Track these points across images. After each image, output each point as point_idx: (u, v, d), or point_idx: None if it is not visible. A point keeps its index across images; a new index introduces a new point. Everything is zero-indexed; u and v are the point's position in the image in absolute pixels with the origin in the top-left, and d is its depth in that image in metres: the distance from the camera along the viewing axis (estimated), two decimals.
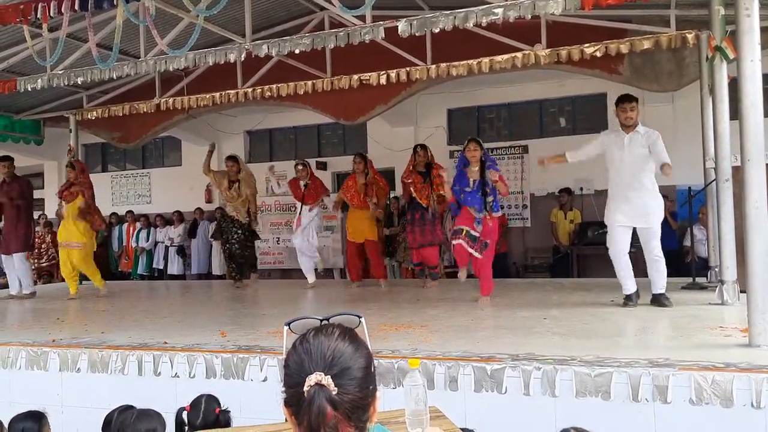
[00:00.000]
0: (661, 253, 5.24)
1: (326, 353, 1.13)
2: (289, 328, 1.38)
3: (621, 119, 5.29)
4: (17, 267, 7.88)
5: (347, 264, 8.03)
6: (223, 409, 2.59)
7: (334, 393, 1.09)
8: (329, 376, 1.09)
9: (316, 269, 8.17)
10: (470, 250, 5.83)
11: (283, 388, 1.16)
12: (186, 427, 2.61)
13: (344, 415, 1.09)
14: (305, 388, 1.09)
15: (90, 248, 7.81)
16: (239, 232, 8.16)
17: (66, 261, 7.73)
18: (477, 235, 5.82)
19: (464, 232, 5.83)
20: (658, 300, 5.26)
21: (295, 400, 1.11)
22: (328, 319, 1.33)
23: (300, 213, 7.86)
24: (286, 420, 1.16)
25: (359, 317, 1.33)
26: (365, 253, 7.81)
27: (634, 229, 5.35)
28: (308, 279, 8.04)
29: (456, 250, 5.97)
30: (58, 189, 7.88)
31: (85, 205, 7.67)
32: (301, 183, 7.82)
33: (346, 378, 1.12)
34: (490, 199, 5.83)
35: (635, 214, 5.21)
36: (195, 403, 2.64)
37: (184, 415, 2.61)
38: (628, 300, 5.35)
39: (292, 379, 1.13)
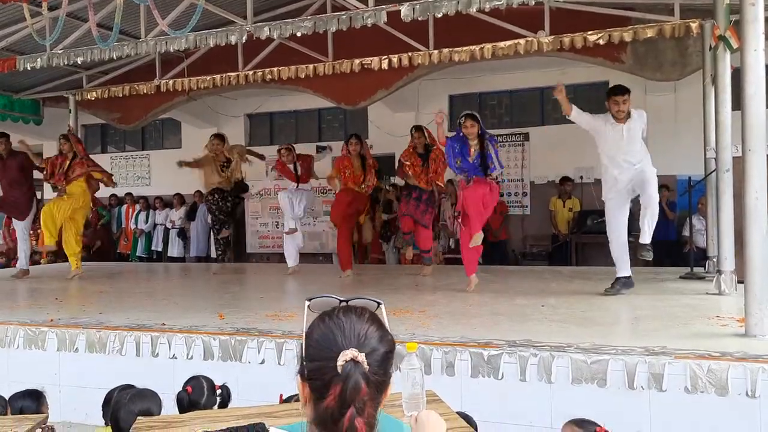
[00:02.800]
0: (657, 198, 5.32)
1: (360, 332, 1.14)
2: (309, 306, 1.37)
3: (612, 111, 5.32)
4: (18, 239, 7.96)
5: (339, 252, 7.81)
6: (221, 384, 2.61)
7: (368, 370, 1.10)
8: (363, 354, 1.10)
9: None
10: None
11: (305, 361, 1.15)
12: (191, 408, 2.63)
13: (371, 395, 1.10)
14: (339, 363, 1.09)
15: (81, 223, 7.83)
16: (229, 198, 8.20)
17: (49, 216, 7.52)
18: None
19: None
20: (641, 249, 5.36)
21: (320, 374, 1.11)
22: (347, 301, 1.32)
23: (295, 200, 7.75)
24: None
25: (378, 303, 1.33)
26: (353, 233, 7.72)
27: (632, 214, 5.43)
28: (288, 263, 7.91)
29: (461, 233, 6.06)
30: (53, 172, 7.69)
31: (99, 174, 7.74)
32: (290, 166, 7.75)
33: (374, 358, 1.13)
34: (495, 173, 5.89)
35: (629, 178, 5.35)
36: (194, 384, 2.65)
37: (186, 396, 2.63)
38: (616, 283, 5.43)
39: (321, 352, 1.12)
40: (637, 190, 5.44)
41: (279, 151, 7.80)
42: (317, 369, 1.12)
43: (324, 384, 1.10)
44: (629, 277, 5.48)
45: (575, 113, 5.49)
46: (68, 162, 7.61)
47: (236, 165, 8.05)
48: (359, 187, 7.30)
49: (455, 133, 6.04)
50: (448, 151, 5.99)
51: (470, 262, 6.01)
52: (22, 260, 8.01)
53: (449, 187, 9.85)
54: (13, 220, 8.13)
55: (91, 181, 7.79)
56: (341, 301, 1.26)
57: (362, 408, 1.07)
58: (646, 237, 5.36)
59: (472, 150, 5.86)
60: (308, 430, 1.14)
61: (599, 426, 2.19)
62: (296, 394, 1.39)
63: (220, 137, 8.15)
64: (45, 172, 7.77)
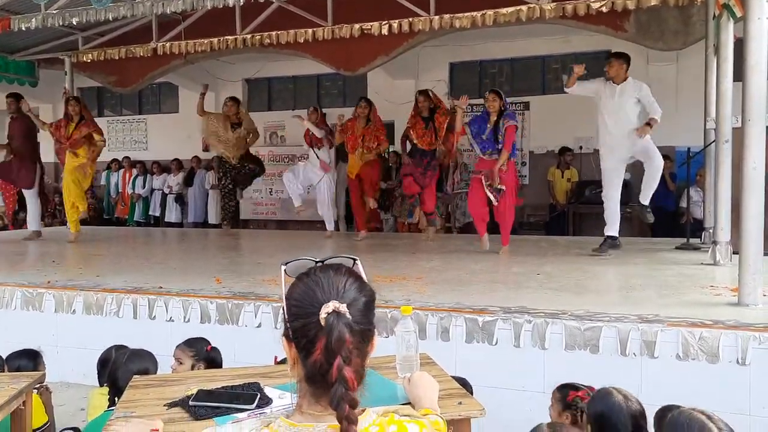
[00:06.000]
0: (659, 157, 5.66)
1: (338, 284, 1.16)
2: (285, 270, 1.38)
3: (609, 74, 5.79)
4: (28, 203, 8.01)
5: (354, 210, 7.99)
6: (213, 347, 2.63)
7: (350, 319, 1.11)
8: (344, 305, 1.12)
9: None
10: (488, 192, 5.99)
11: (288, 322, 1.16)
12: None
13: (356, 344, 1.11)
14: (322, 316, 1.10)
15: (85, 185, 7.86)
16: (249, 165, 8.33)
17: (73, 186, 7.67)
18: (500, 187, 5.96)
19: (484, 175, 5.99)
20: (641, 210, 5.78)
21: (305, 331, 1.12)
22: (323, 261, 1.33)
23: (319, 157, 7.80)
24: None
25: (354, 259, 1.34)
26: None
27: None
28: (328, 227, 8.07)
29: (471, 194, 6.20)
30: (60, 134, 7.71)
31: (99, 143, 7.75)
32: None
33: (356, 308, 1.14)
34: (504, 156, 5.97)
35: (629, 151, 5.70)
36: (189, 342, 2.68)
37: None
38: (604, 243, 5.81)
39: (303, 309, 1.14)
40: (640, 158, 5.76)
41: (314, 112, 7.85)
42: (301, 327, 1.13)
43: (309, 340, 1.11)
44: (616, 238, 5.83)
45: (576, 87, 5.84)
46: (74, 125, 7.59)
47: (247, 134, 8.15)
48: (355, 153, 7.31)
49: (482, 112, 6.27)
50: (470, 134, 6.23)
51: (508, 229, 6.27)
52: (33, 224, 8.10)
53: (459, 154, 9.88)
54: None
55: (92, 146, 7.75)
56: (316, 262, 1.27)
57: (348, 357, 1.08)
58: (646, 198, 5.72)
59: (489, 125, 6.05)
60: (298, 389, 1.16)
61: (574, 390, 2.22)
62: None
63: (234, 99, 8.39)
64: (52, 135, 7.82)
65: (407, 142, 7.10)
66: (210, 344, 2.70)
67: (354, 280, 1.19)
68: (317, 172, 7.83)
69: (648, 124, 5.52)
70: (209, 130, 8.24)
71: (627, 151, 5.73)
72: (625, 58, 5.75)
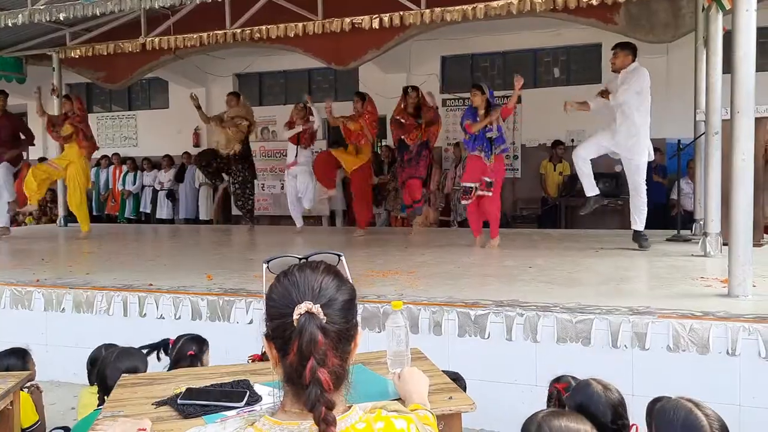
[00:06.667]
0: (643, 190, 5.63)
1: (313, 285, 1.14)
2: (268, 266, 1.38)
3: (614, 66, 5.73)
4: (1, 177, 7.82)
5: (355, 209, 8.07)
6: (196, 354, 2.61)
7: (324, 321, 1.10)
8: (318, 305, 1.10)
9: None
10: (482, 193, 5.99)
11: (267, 322, 1.16)
12: (161, 354, 2.67)
13: (332, 345, 1.10)
14: (294, 317, 1.09)
15: (84, 186, 7.82)
16: (240, 169, 8.25)
17: (35, 175, 7.50)
18: (491, 180, 5.97)
19: (474, 189, 5.99)
20: (636, 238, 5.71)
21: (281, 332, 1.12)
22: (307, 258, 1.32)
23: (298, 154, 7.86)
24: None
25: (339, 255, 1.33)
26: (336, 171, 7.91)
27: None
28: (297, 224, 8.12)
29: (469, 212, 6.21)
30: (55, 130, 7.69)
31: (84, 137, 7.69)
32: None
33: (333, 308, 1.13)
34: (490, 134, 6.00)
35: (619, 141, 5.64)
36: (177, 339, 2.67)
37: (166, 347, 2.66)
38: (587, 202, 5.89)
39: (278, 310, 1.13)
40: (623, 166, 5.76)
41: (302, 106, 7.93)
42: (277, 327, 1.13)
43: (285, 341, 1.11)
44: (598, 194, 5.88)
45: (593, 105, 5.86)
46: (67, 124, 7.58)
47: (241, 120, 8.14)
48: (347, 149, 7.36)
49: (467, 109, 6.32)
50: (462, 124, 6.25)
51: (496, 221, 6.28)
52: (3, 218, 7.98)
53: (456, 149, 9.89)
54: None
55: (84, 143, 7.69)
56: (300, 259, 1.26)
57: (323, 359, 1.07)
58: (638, 225, 5.69)
59: (478, 119, 6.05)
60: (282, 387, 1.15)
61: (559, 382, 2.22)
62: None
63: (235, 94, 8.47)
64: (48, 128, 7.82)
65: (399, 139, 7.16)
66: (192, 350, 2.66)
67: (332, 279, 1.17)
68: (292, 169, 7.92)
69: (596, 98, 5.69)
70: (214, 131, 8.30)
71: (622, 137, 5.60)
72: (630, 48, 5.66)
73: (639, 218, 5.67)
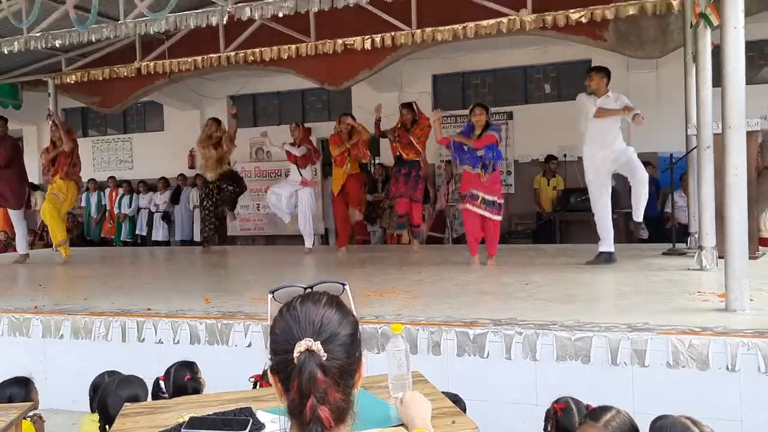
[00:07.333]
0: (645, 177, 5.71)
1: (314, 319, 1.13)
2: (273, 296, 1.38)
3: (589, 87, 5.82)
4: (15, 226, 7.96)
5: (337, 226, 8.08)
6: (193, 376, 2.60)
7: (323, 358, 1.10)
8: (319, 342, 1.10)
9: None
10: (486, 213, 6.03)
11: (270, 356, 1.16)
12: (164, 395, 2.64)
13: (333, 381, 1.10)
14: (295, 354, 1.09)
15: (65, 204, 7.78)
16: (229, 187, 8.33)
17: (54, 217, 7.63)
18: (493, 199, 6.03)
19: (480, 199, 6.01)
20: (636, 227, 5.95)
21: (283, 367, 1.12)
22: (312, 287, 1.33)
23: (302, 174, 7.87)
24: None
25: (343, 284, 1.34)
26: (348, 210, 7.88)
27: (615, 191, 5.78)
28: (306, 243, 8.08)
29: (466, 217, 6.19)
30: (48, 163, 7.70)
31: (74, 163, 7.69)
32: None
33: (335, 344, 1.12)
34: (480, 152, 5.99)
35: (612, 160, 5.73)
36: (167, 372, 2.67)
37: (161, 384, 2.64)
38: (599, 257, 5.81)
39: (280, 345, 1.13)
40: (624, 173, 5.81)
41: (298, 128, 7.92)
42: (280, 363, 1.13)
43: (287, 376, 1.11)
44: (611, 253, 5.77)
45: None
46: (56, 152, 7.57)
47: (226, 144, 8.19)
48: (344, 168, 7.38)
49: (466, 124, 6.29)
50: (452, 147, 6.26)
51: (497, 239, 6.32)
52: (22, 245, 8.03)
53: (448, 166, 9.93)
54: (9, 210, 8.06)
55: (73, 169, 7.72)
56: (305, 289, 1.26)
57: (323, 396, 1.07)
58: (638, 214, 5.73)
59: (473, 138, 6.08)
60: (288, 418, 1.16)
61: (558, 403, 2.24)
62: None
63: (215, 119, 8.46)
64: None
65: (395, 151, 7.26)
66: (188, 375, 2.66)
67: (335, 312, 1.16)
68: (298, 186, 7.88)
69: (633, 115, 5.52)
70: (204, 163, 8.39)
71: (611, 164, 5.75)
72: (605, 71, 5.79)
73: (641, 208, 5.73)
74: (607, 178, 5.82)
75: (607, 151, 5.69)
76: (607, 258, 5.76)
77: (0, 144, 7.71)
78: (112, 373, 2.79)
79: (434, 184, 10.38)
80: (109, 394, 2.40)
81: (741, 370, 3.05)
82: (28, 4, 5.96)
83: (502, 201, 6.13)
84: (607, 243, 5.78)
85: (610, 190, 5.86)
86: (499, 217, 6.11)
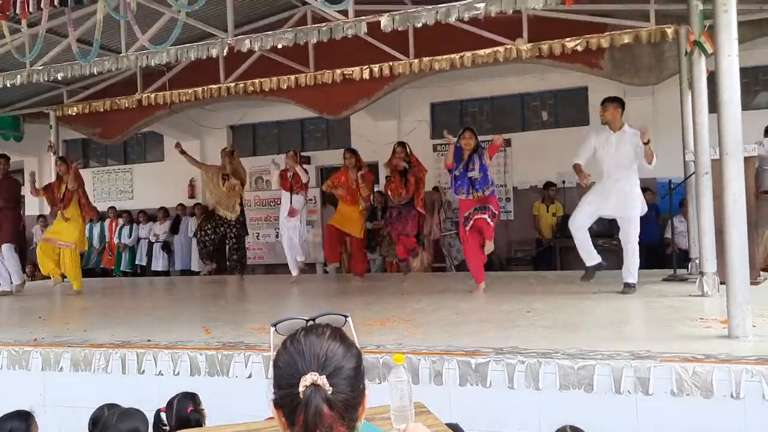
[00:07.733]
0: (635, 240, 5.52)
1: (319, 353, 1.13)
2: (276, 328, 1.38)
3: (603, 118, 5.67)
4: (6, 259, 7.88)
5: (324, 244, 8.13)
6: (195, 408, 2.59)
7: (329, 393, 1.09)
8: (324, 376, 1.10)
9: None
10: (477, 215, 5.97)
11: (274, 389, 1.15)
12: (165, 428, 2.62)
13: (338, 415, 1.10)
14: (300, 389, 1.09)
15: (80, 248, 7.79)
16: (234, 227, 8.25)
17: (47, 255, 7.63)
18: (486, 206, 6.00)
19: (472, 212, 5.99)
20: (627, 289, 5.49)
21: (288, 401, 1.11)
22: (314, 319, 1.33)
23: (291, 202, 7.87)
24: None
25: (345, 316, 1.33)
26: (344, 237, 7.93)
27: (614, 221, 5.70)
28: (292, 273, 8.03)
29: (464, 243, 6.18)
30: (51, 195, 7.72)
31: (84, 201, 7.68)
32: (288, 174, 7.84)
33: (340, 378, 1.12)
34: (472, 174, 5.98)
35: (613, 206, 5.55)
36: (169, 404, 2.65)
37: (162, 415, 2.62)
38: (588, 271, 5.77)
39: (285, 379, 1.13)
40: (617, 213, 5.62)
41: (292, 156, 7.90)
42: (284, 396, 1.13)
43: (291, 411, 1.10)
44: (599, 262, 5.74)
45: (582, 158, 5.68)
46: (65, 186, 7.55)
47: (235, 180, 8.13)
48: (357, 205, 7.43)
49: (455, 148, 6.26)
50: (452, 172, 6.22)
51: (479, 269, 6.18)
52: (16, 277, 7.98)
53: (435, 194, 9.95)
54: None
55: (84, 205, 7.73)
56: (307, 321, 1.26)
57: (329, 431, 1.07)
58: (630, 277, 5.53)
59: (462, 162, 6.07)
60: None
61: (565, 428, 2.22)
62: None
63: (228, 151, 8.34)
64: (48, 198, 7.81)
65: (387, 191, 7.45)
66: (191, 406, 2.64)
67: (339, 345, 1.16)
68: (288, 218, 7.93)
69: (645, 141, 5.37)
70: (206, 182, 8.32)
71: (614, 200, 5.53)
72: (619, 102, 5.64)
73: (635, 270, 5.52)
74: (601, 207, 5.63)
75: (611, 182, 5.54)
76: (596, 267, 5.74)
77: (2, 184, 7.77)
78: (111, 406, 2.77)
79: (431, 214, 10.38)
80: (109, 428, 2.38)
81: (745, 398, 3.02)
82: (31, 39, 6.04)
83: (497, 212, 6.09)
84: (590, 258, 5.72)
85: (594, 217, 5.73)
86: (490, 220, 6.00)
